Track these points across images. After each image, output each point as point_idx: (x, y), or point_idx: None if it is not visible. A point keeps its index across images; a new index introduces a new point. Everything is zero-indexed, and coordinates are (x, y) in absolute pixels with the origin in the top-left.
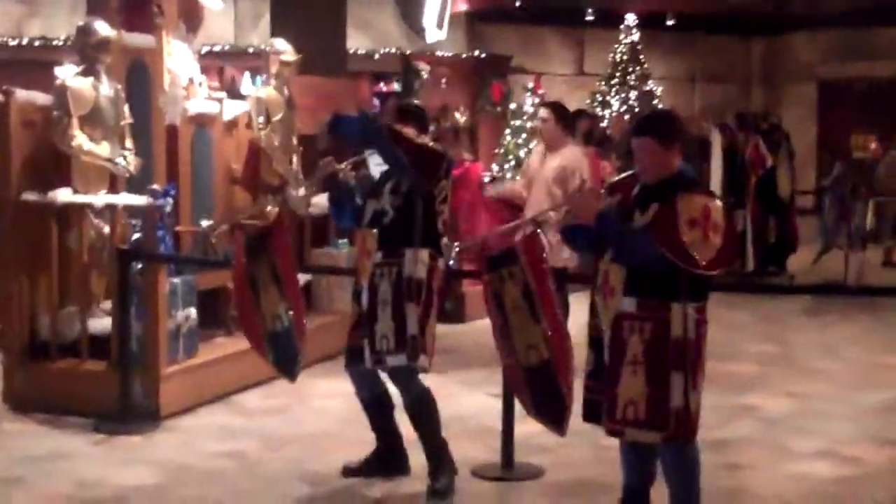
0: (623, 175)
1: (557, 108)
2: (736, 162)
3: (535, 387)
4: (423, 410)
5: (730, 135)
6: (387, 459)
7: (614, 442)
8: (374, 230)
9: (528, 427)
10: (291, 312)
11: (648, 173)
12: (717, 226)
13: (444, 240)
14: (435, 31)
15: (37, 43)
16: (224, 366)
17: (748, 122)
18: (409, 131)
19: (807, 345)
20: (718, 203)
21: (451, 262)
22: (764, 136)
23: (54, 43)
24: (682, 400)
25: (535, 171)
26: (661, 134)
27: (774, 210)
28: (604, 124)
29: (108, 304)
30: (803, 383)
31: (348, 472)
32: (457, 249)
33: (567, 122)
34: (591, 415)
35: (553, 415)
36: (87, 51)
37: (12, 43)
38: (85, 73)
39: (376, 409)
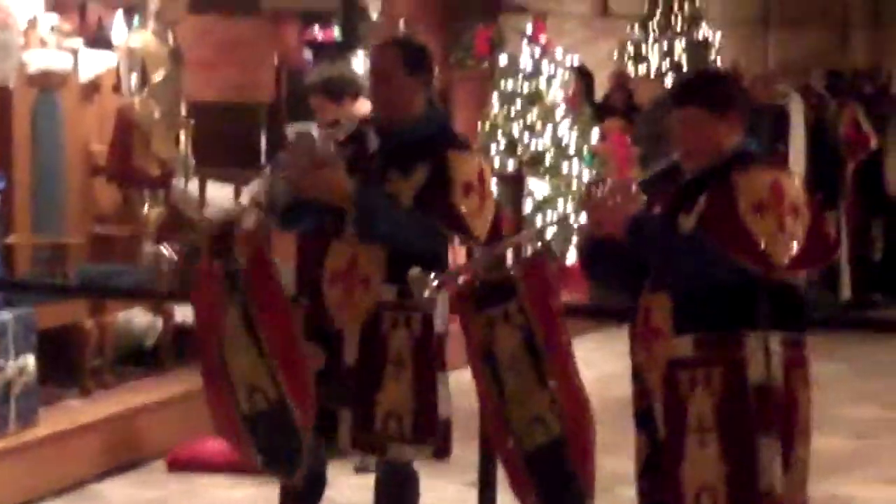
0: (658, 168)
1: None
2: (826, 142)
3: (542, 478)
4: (400, 492)
5: (817, 103)
6: None
7: None
8: (379, 247)
9: None
10: (282, 379)
11: (694, 156)
12: (794, 208)
13: (414, 270)
14: None
15: None
16: (77, 441)
17: (844, 85)
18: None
19: None
20: (794, 178)
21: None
22: (867, 105)
23: None
24: (777, 477)
25: None
26: (711, 101)
27: (881, 212)
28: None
29: None
30: None
31: None
32: (435, 284)
33: None
34: None
35: None
36: None
37: None
38: None
39: (305, 493)
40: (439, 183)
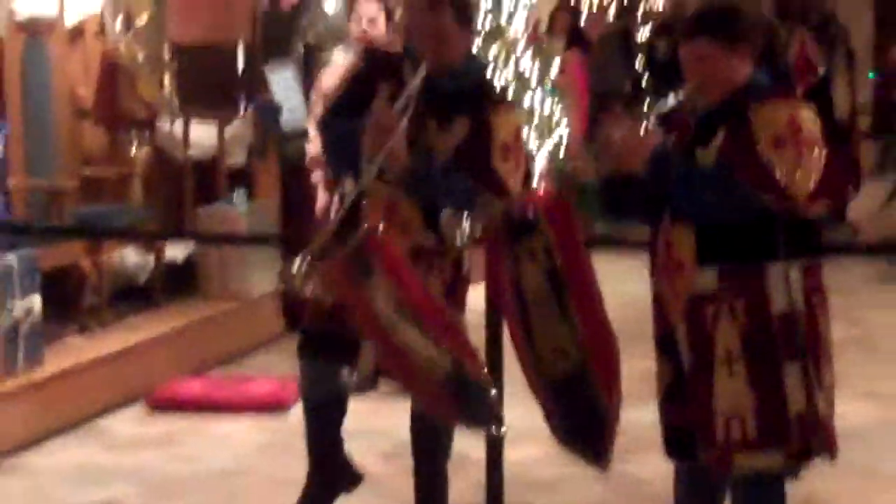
0: (669, 106)
1: None
2: (777, 69)
3: (565, 406)
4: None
5: (766, 30)
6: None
7: (643, 474)
8: (410, 192)
9: (522, 452)
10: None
11: (707, 90)
12: (811, 140)
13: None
14: None
15: None
16: (82, 378)
17: (792, 13)
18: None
19: (889, 326)
20: (808, 110)
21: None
22: (814, 33)
23: None
24: (804, 400)
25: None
26: (722, 32)
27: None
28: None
29: None
30: (890, 380)
31: None
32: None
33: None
34: (677, 448)
35: (590, 443)
36: None
37: None
38: None
39: (330, 413)
40: (480, 143)
